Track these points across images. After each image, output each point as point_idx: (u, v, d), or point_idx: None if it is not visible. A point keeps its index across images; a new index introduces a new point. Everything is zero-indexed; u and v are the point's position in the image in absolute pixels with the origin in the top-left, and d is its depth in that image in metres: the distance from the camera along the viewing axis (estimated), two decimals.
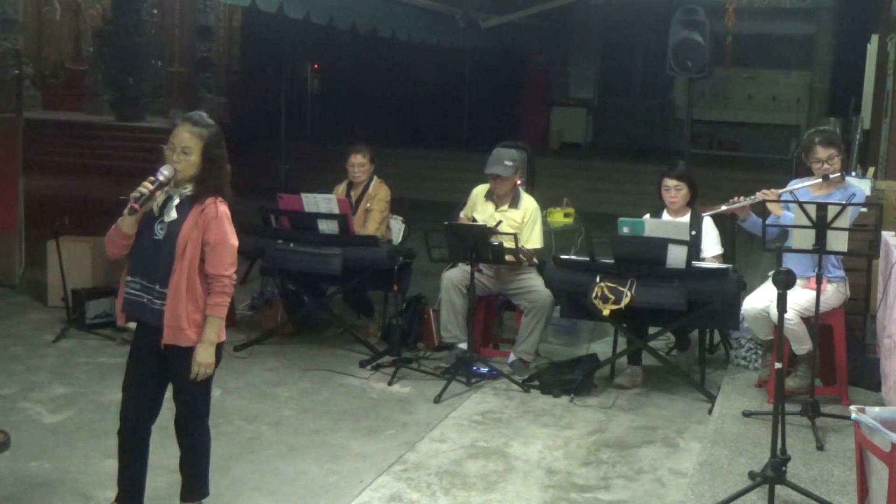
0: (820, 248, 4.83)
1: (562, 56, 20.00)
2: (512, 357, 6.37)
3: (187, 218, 3.71)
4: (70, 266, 7.15)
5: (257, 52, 18.83)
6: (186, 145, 3.70)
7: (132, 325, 3.92)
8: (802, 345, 5.37)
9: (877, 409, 3.81)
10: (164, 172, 3.70)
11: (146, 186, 3.67)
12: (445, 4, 12.71)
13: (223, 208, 3.76)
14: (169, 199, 3.75)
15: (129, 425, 3.87)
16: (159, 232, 3.73)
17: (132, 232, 3.75)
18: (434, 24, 12.81)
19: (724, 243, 6.17)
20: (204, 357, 3.71)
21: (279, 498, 4.37)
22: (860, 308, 6.13)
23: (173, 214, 3.72)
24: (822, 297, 4.92)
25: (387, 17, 11.28)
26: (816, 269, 4.87)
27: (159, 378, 3.85)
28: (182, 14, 22.13)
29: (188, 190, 3.75)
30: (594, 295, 5.66)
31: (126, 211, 3.67)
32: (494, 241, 6.01)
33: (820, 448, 4.82)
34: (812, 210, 4.79)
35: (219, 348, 3.80)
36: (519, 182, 6.61)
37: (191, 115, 3.84)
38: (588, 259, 5.86)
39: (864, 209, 5.56)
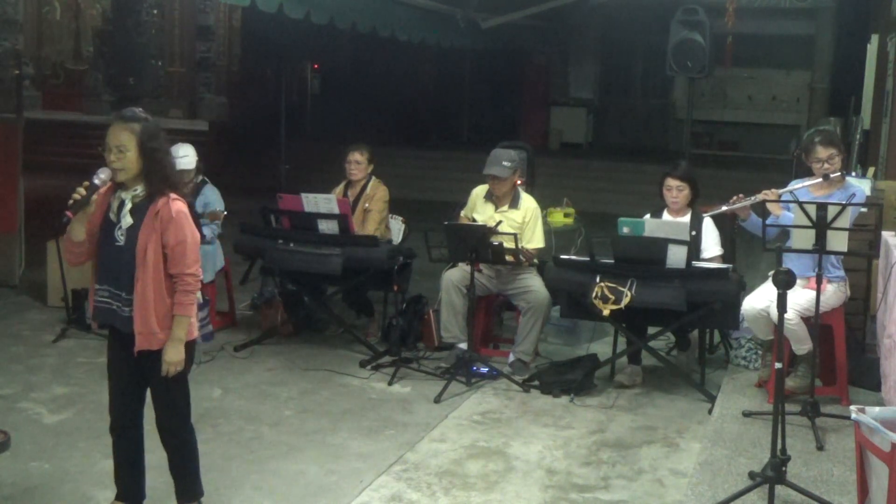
0: (820, 248, 4.83)
1: (562, 56, 19.99)
2: (511, 357, 6.37)
3: (143, 222, 3.65)
4: (70, 266, 7.14)
5: (257, 52, 18.80)
6: (120, 143, 3.63)
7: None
8: (802, 345, 5.37)
9: (877, 409, 3.81)
10: (101, 176, 3.66)
11: (79, 192, 3.62)
12: (445, 4, 12.70)
13: (178, 205, 3.69)
14: (122, 203, 3.69)
15: (118, 420, 3.88)
16: (120, 238, 3.68)
17: (81, 238, 3.72)
18: (434, 24, 12.79)
19: (724, 244, 6.17)
20: (172, 355, 3.69)
21: (279, 498, 4.37)
22: (860, 308, 6.13)
23: (129, 220, 3.67)
24: (822, 297, 4.92)
25: (387, 17, 11.28)
26: (816, 269, 4.87)
27: (138, 377, 3.84)
28: (182, 14, 22.10)
29: (139, 191, 3.69)
30: (594, 295, 5.66)
31: (63, 220, 3.63)
32: (494, 241, 6.01)
33: (820, 448, 4.82)
34: (812, 210, 4.79)
35: (190, 346, 3.78)
36: (519, 182, 6.61)
37: (122, 111, 3.77)
38: (588, 259, 5.87)
39: (864, 209, 5.56)
